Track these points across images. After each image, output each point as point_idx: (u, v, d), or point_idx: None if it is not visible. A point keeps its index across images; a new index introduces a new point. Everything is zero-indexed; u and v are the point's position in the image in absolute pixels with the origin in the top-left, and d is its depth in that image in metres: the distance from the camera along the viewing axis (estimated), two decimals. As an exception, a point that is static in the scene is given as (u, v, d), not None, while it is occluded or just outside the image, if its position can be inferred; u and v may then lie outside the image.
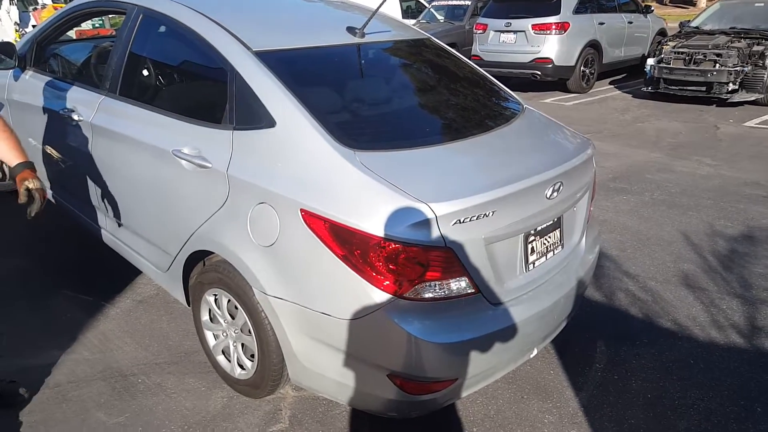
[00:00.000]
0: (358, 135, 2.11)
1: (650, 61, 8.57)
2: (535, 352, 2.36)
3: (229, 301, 2.37)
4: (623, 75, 10.94)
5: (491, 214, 1.93)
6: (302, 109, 2.08)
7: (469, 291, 1.97)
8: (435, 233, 1.83)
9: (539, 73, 9.16)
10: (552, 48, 8.99)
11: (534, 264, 2.21)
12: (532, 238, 2.17)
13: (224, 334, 2.49)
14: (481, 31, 9.84)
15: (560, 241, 2.36)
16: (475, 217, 1.89)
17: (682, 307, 3.18)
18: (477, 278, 1.97)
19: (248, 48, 2.27)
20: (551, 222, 2.25)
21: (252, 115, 2.17)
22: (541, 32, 9.04)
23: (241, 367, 2.45)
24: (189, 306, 2.66)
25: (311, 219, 1.93)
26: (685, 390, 2.54)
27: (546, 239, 2.26)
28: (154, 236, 2.65)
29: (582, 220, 2.50)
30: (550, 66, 9.06)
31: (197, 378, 2.63)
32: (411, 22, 12.21)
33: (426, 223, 1.81)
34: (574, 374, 2.65)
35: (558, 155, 2.32)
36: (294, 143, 2.06)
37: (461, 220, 1.86)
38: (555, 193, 2.18)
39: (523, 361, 2.37)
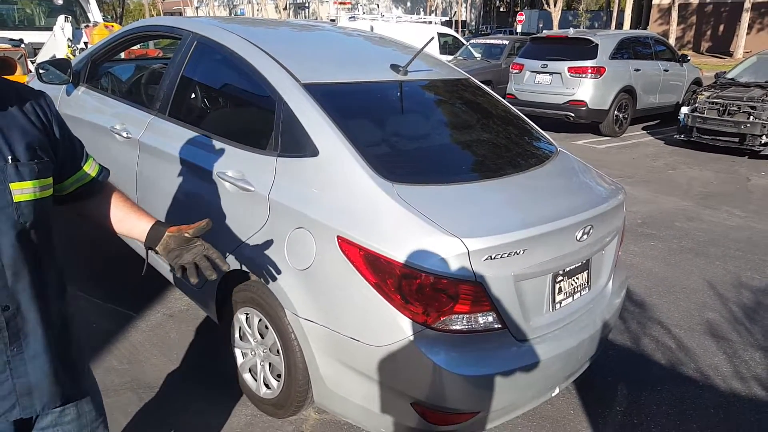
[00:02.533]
0: (396, 168, 2.20)
1: (684, 110, 8.59)
2: (557, 390, 2.38)
3: (260, 320, 2.44)
4: (656, 121, 10.94)
5: (522, 252, 1.99)
6: (345, 140, 2.18)
7: (496, 326, 2.01)
8: (466, 267, 1.89)
9: (573, 115, 9.23)
10: (587, 91, 9.07)
11: (561, 304, 2.25)
12: (560, 278, 2.21)
13: (252, 352, 2.56)
14: (517, 71, 9.99)
15: (588, 282, 2.39)
16: (506, 254, 1.95)
17: (704, 356, 3.15)
18: (504, 314, 2.01)
19: (297, 80, 2.40)
20: (580, 264, 2.29)
21: (296, 144, 2.27)
22: (577, 75, 9.14)
23: (267, 386, 2.51)
24: (219, 323, 2.74)
25: (347, 246, 2.00)
26: (705, 440, 2.53)
27: (574, 280, 2.30)
28: (192, 252, 2.74)
29: (610, 263, 2.53)
30: (584, 109, 9.12)
31: (223, 394, 2.69)
32: (448, 57, 12.48)
33: (458, 258, 1.87)
34: (594, 415, 2.65)
35: (590, 199, 2.37)
36: (335, 173, 2.15)
37: (492, 257, 1.92)
38: (585, 236, 2.22)
39: (545, 399, 2.38)
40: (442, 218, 1.95)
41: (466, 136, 2.71)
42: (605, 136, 9.55)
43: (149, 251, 1.52)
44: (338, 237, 2.02)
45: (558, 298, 2.23)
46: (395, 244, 1.92)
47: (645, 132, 10.18)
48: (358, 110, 2.50)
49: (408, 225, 1.94)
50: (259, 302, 2.36)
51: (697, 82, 11.08)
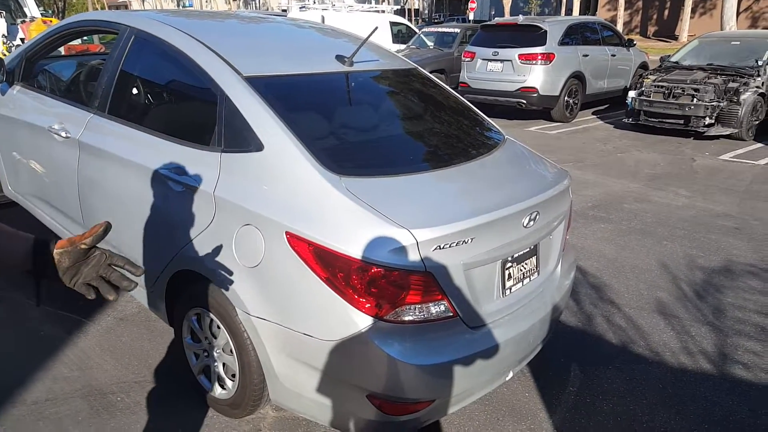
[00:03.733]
0: (343, 161, 2.18)
1: (631, 94, 8.84)
2: (511, 374, 2.42)
3: (211, 321, 2.39)
4: (606, 106, 11.22)
5: (470, 240, 2.00)
6: (290, 134, 2.14)
7: (448, 314, 2.03)
8: (415, 258, 1.89)
9: (524, 101, 9.38)
10: (537, 78, 9.22)
11: (511, 289, 2.28)
12: (509, 264, 2.24)
13: (205, 353, 2.51)
14: (469, 59, 10.06)
15: (536, 267, 2.43)
16: (454, 243, 1.96)
17: (654, 333, 3.27)
18: (456, 302, 2.03)
19: (239, 73, 2.34)
20: (528, 249, 2.33)
21: (240, 139, 2.23)
22: (528, 62, 9.27)
23: (222, 386, 2.47)
24: (171, 325, 2.68)
25: (296, 242, 1.98)
26: (653, 413, 2.62)
27: (523, 266, 2.33)
28: (139, 255, 2.66)
29: (558, 247, 2.58)
30: (535, 95, 9.28)
31: (178, 397, 2.64)
32: (401, 47, 12.45)
33: (407, 248, 1.87)
34: (549, 397, 2.71)
35: (536, 185, 2.40)
36: (281, 167, 2.12)
37: (441, 246, 1.93)
38: (532, 222, 2.26)
39: (500, 383, 2.42)
40: (391, 210, 1.95)
41: (414, 126, 2.71)
42: (557, 122, 9.74)
43: (40, 278, 1.23)
44: (287, 232, 2.00)
45: (508, 284, 2.26)
46: (344, 237, 1.91)
47: (595, 117, 10.44)
48: (303, 103, 2.46)
49: (356, 218, 1.93)
50: (210, 302, 2.31)
51: (644, 66, 11.40)
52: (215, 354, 2.45)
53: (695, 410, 2.64)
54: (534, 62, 9.26)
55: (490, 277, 2.17)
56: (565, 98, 9.61)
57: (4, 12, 5.25)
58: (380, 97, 2.83)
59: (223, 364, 2.44)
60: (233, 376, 2.38)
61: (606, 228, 4.92)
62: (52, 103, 3.19)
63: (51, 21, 5.77)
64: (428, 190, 2.17)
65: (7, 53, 4.97)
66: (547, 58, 9.23)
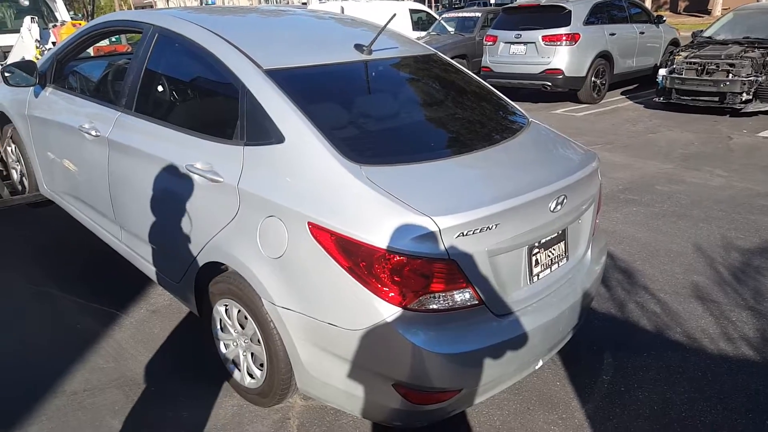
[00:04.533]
0: (364, 150, 2.17)
1: (662, 72, 8.57)
2: (541, 363, 2.38)
3: (239, 311, 2.42)
4: (635, 85, 10.92)
5: (494, 227, 1.97)
6: (310, 125, 2.14)
7: (473, 302, 2.00)
8: (439, 246, 1.87)
9: (550, 84, 9.19)
10: (562, 59, 9.02)
11: (538, 276, 2.24)
12: (536, 250, 2.20)
13: (234, 343, 2.55)
14: (491, 43, 9.90)
15: (565, 253, 2.39)
16: (478, 230, 1.93)
17: (691, 319, 3.17)
18: (481, 290, 2.00)
19: (259, 66, 2.35)
20: (555, 234, 2.29)
21: (262, 132, 2.23)
22: (552, 43, 9.08)
23: (251, 376, 2.50)
24: (200, 316, 2.72)
25: (318, 232, 1.98)
26: (692, 402, 2.54)
27: (550, 251, 2.29)
28: (167, 248, 2.72)
29: (587, 232, 2.53)
30: (561, 77, 9.08)
31: (209, 386, 2.68)
32: (422, 34, 12.34)
33: (429, 236, 1.86)
34: (581, 385, 2.66)
35: (562, 168, 2.35)
36: (302, 158, 2.12)
37: (464, 233, 1.90)
38: (559, 206, 2.21)
39: (529, 372, 2.39)
40: (412, 197, 1.93)
41: (435, 112, 2.68)
42: (584, 104, 9.53)
43: None
44: (309, 223, 2.00)
45: (535, 270, 2.22)
46: (366, 226, 1.90)
47: (624, 97, 10.17)
48: (323, 93, 2.45)
49: (377, 206, 1.92)
50: (237, 293, 2.34)
51: (675, 42, 11.04)
52: (244, 344, 2.48)
53: (738, 399, 2.56)
54: (558, 43, 9.05)
55: (516, 263, 2.14)
56: (592, 79, 9.37)
57: (36, 17, 5.37)
58: (400, 84, 2.81)
59: (252, 354, 2.47)
60: (261, 365, 2.41)
61: (638, 211, 4.80)
62: (82, 103, 3.26)
63: (81, 24, 5.88)
64: (450, 177, 2.14)
65: (39, 57, 5.09)
66: (572, 38, 9.02)
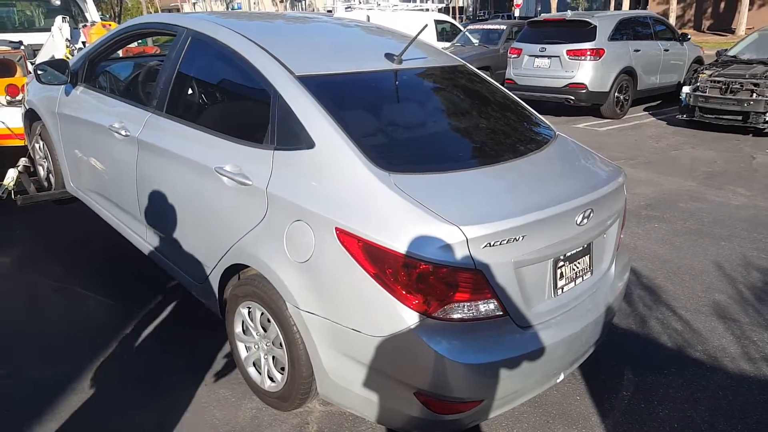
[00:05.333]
0: (393, 158, 2.19)
1: (686, 89, 8.51)
2: (562, 377, 2.37)
3: (262, 314, 2.44)
4: (658, 102, 10.86)
5: (521, 238, 1.98)
6: (340, 131, 2.17)
7: (498, 313, 2.00)
8: (465, 255, 1.88)
9: (573, 98, 9.17)
10: (586, 74, 9.01)
11: (563, 289, 2.23)
12: (561, 263, 2.20)
13: (256, 346, 2.56)
14: (515, 56, 9.92)
15: (590, 267, 2.38)
16: (505, 241, 1.94)
17: (712, 338, 3.14)
18: (506, 301, 2.00)
19: (291, 72, 2.38)
20: (581, 248, 2.28)
21: (292, 137, 2.26)
22: (576, 58, 9.07)
23: (271, 379, 2.51)
24: (222, 317, 2.75)
25: (345, 237, 2.00)
26: (712, 421, 2.52)
27: (575, 265, 2.28)
28: (193, 249, 2.75)
29: (612, 247, 2.52)
30: (584, 91, 9.06)
31: (228, 388, 2.70)
32: (446, 44, 12.38)
33: (456, 246, 1.86)
34: (601, 401, 2.64)
35: (589, 182, 2.35)
36: (332, 164, 2.14)
37: (491, 244, 1.91)
38: (585, 220, 2.21)
39: (550, 385, 2.37)
40: (440, 206, 1.94)
41: (463, 123, 2.69)
42: (606, 119, 9.49)
43: None
44: (336, 228, 2.02)
45: (560, 283, 2.22)
46: (393, 233, 1.91)
47: (647, 113, 10.11)
48: (353, 101, 2.48)
49: (405, 214, 1.93)
50: (261, 296, 2.36)
51: (699, 60, 10.97)
52: (265, 347, 2.50)
53: (758, 419, 2.52)
54: (583, 58, 9.05)
55: (541, 275, 2.13)
56: (616, 94, 9.34)
57: (67, 17, 5.47)
58: (429, 94, 2.82)
59: (273, 358, 2.49)
60: (282, 369, 2.42)
61: (660, 228, 4.76)
62: (113, 103, 3.32)
63: (110, 25, 5.99)
64: (478, 187, 2.15)
65: (70, 56, 5.19)
66: (597, 53, 9.00)
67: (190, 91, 2.96)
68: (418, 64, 2.80)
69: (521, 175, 2.31)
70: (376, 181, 2.03)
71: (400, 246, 1.88)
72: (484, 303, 1.97)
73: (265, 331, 2.48)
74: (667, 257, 4.18)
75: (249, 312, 2.53)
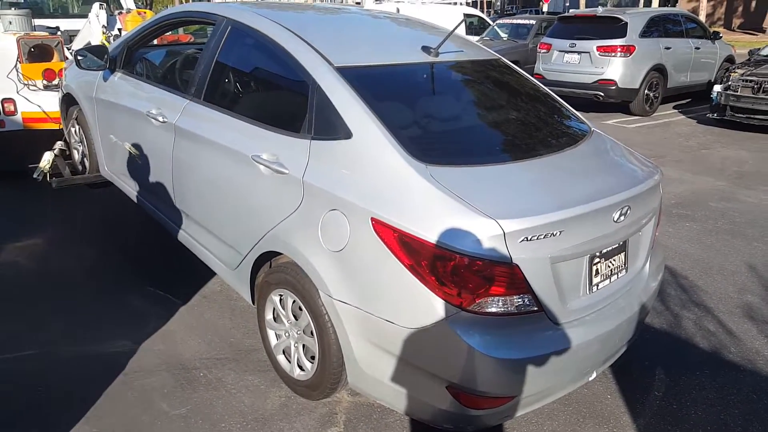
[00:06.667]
0: (430, 150, 2.18)
1: (717, 88, 8.35)
2: (594, 375, 2.35)
3: (294, 302, 2.46)
4: (688, 100, 10.65)
5: (558, 233, 1.96)
6: (378, 123, 2.16)
7: (533, 309, 1.99)
8: (502, 249, 1.87)
9: (602, 94, 9.05)
10: (616, 70, 8.88)
11: (598, 286, 2.21)
12: (597, 260, 2.18)
13: (286, 334, 2.59)
14: (545, 51, 9.82)
15: (625, 264, 2.35)
16: (542, 236, 1.92)
17: (745, 340, 3.09)
18: (541, 296, 1.99)
19: (330, 63, 2.38)
20: (617, 245, 2.25)
21: (330, 127, 2.27)
22: (606, 54, 8.94)
23: (301, 368, 2.53)
24: (254, 304, 2.77)
25: (381, 228, 2.00)
26: (747, 424, 2.48)
27: (611, 262, 2.26)
28: (227, 235, 2.78)
29: (647, 245, 2.49)
30: (614, 88, 8.93)
31: (257, 376, 2.73)
32: (474, 38, 12.28)
33: (493, 239, 1.85)
34: (632, 400, 2.61)
35: (626, 179, 2.32)
36: (369, 155, 2.14)
37: (528, 238, 1.89)
38: (622, 217, 2.18)
39: (582, 383, 2.36)
40: (477, 199, 1.93)
41: (499, 116, 2.67)
42: (635, 116, 9.35)
43: None
44: (372, 219, 2.02)
45: (595, 280, 2.19)
46: (429, 225, 1.91)
47: (676, 111, 9.93)
48: (391, 92, 2.47)
49: (442, 206, 1.93)
50: (294, 284, 2.37)
51: (730, 59, 10.73)
52: (296, 335, 2.52)
53: (793, 423, 2.49)
54: (613, 54, 8.91)
55: (577, 272, 2.11)
56: (645, 91, 9.18)
57: (104, 4, 5.55)
58: (466, 87, 2.80)
59: (303, 346, 2.50)
60: (312, 358, 2.43)
61: (691, 227, 4.68)
62: (150, 90, 3.36)
63: (145, 12, 6.05)
64: (515, 181, 2.13)
65: (106, 43, 5.27)
66: (627, 50, 8.86)
67: (228, 80, 2.98)
68: (454, 58, 2.79)
69: (558, 170, 2.29)
70: (413, 172, 2.02)
71: (437, 238, 1.88)
72: (519, 298, 1.96)
73: (296, 319, 2.50)
74: (698, 256, 4.11)
75: (281, 300, 2.55)
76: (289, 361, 2.60)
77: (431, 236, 1.89)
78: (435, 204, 1.94)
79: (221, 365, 2.81)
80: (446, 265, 1.88)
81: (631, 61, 8.89)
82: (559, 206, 1.98)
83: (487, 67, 2.93)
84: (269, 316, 2.65)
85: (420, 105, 2.54)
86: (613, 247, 2.23)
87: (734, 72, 8.33)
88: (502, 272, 1.89)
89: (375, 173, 2.11)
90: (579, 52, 9.27)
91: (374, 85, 2.39)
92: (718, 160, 6.76)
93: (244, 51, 2.89)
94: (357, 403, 2.56)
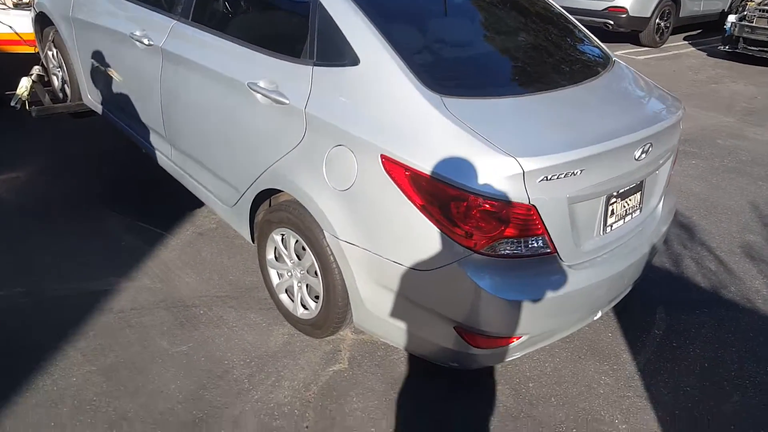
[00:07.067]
0: (444, 79, 2.01)
1: (731, 18, 8.02)
2: (599, 314, 2.31)
3: (296, 241, 2.37)
4: (698, 31, 10.28)
5: (579, 172, 1.85)
6: (389, 48, 1.99)
7: (546, 251, 1.91)
8: (520, 189, 1.76)
9: (612, 22, 8.67)
10: (628, -3, 8.47)
11: (612, 227, 2.13)
12: (613, 199, 2.08)
13: (289, 273, 2.51)
14: (549, -25, 9.31)
15: (639, 204, 2.26)
16: (562, 175, 1.81)
17: (745, 279, 3.07)
18: (555, 238, 1.90)
19: (332, -21, 2.17)
20: (634, 185, 2.15)
21: (334, 51, 2.09)
22: (617, -21, 8.51)
23: (305, 307, 2.47)
24: (253, 243, 2.68)
25: (391, 165, 1.88)
26: (742, 362, 2.50)
27: (626, 202, 2.17)
28: (222, 170, 2.64)
29: (662, 184, 2.39)
30: (624, 16, 8.55)
31: (258, 314, 2.68)
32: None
33: (512, 179, 1.74)
34: (632, 338, 2.61)
35: (650, 114, 2.19)
36: (378, 84, 1.98)
37: (548, 177, 1.79)
38: (644, 155, 2.07)
39: (587, 323, 2.33)
40: (495, 135, 1.80)
41: (517, 43, 2.47)
42: (645, 47, 9.02)
43: None
44: (382, 155, 1.89)
45: (609, 220, 2.11)
46: (444, 163, 1.79)
47: (686, 42, 9.60)
48: (401, 13, 2.27)
49: (459, 142, 1.80)
50: (296, 223, 2.27)
51: (746, -13, 10.28)
52: (299, 274, 2.44)
53: (791, 363, 2.50)
54: (625, -21, 8.48)
55: (592, 212, 2.02)
56: (656, 21, 8.81)
57: None
58: (481, 11, 2.58)
59: (307, 285, 2.44)
60: (316, 297, 2.37)
61: (697, 164, 4.58)
62: (133, 8, 3.09)
63: None
64: (534, 115, 2.00)
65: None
66: (639, -25, 8.43)
67: (218, -2, 2.75)
68: (468, -23, 2.56)
69: (579, 103, 2.15)
70: (427, 105, 1.88)
71: (452, 177, 1.77)
72: (534, 239, 1.87)
73: (299, 258, 2.41)
74: (703, 195, 4.04)
75: (282, 239, 2.46)
76: (292, 300, 2.54)
77: (446, 175, 1.78)
78: (450, 140, 1.81)
79: (221, 303, 2.75)
80: (460, 206, 1.78)
81: (642, -13, 8.48)
82: (581, 143, 1.86)
83: (504, -11, 2.71)
84: (270, 255, 2.57)
85: (432, 28, 2.35)
86: (631, 186, 2.13)
87: (751, 1, 7.98)
88: (518, 214, 1.79)
89: (385, 105, 1.96)
90: (587, -23, 8.81)
91: (383, 5, 2.19)
92: (727, 96, 6.58)
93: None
94: (360, 341, 2.53)
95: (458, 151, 1.78)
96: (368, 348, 2.50)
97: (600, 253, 2.11)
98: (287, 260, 2.48)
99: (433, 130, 1.84)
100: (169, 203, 3.60)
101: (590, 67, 2.43)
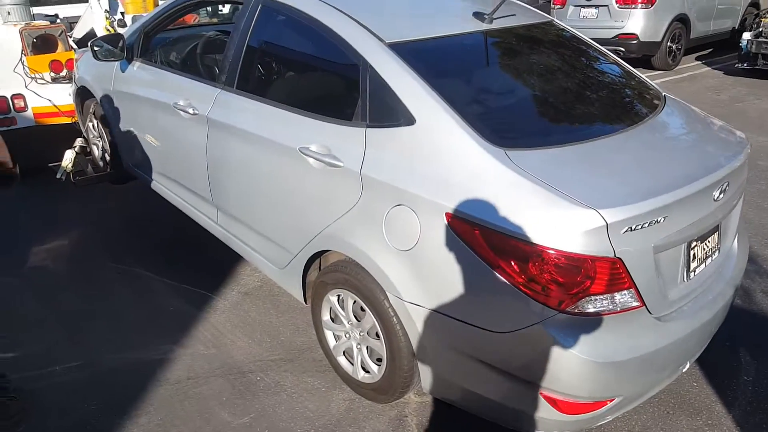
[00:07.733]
0: (505, 131, 1.95)
1: (747, 36, 7.96)
2: (688, 365, 2.17)
3: (354, 302, 2.28)
4: (709, 50, 10.23)
5: (663, 220, 1.75)
6: (444, 104, 1.93)
7: (634, 304, 1.79)
8: (604, 242, 1.66)
9: (623, 49, 8.65)
10: (637, 23, 8.47)
11: (695, 272, 2.01)
12: (694, 243, 1.97)
13: (347, 335, 2.41)
14: (559, 6, 9.39)
15: (718, 245, 2.14)
16: (647, 224, 1.71)
17: (828, 313, 2.90)
18: (643, 290, 1.79)
19: (380, 39, 2.13)
20: (713, 226, 2.05)
21: (388, 112, 2.04)
22: (626, 6, 8.53)
23: (366, 370, 2.37)
24: (306, 303, 2.59)
25: (459, 224, 1.80)
26: None
27: (706, 244, 2.05)
28: (273, 233, 2.58)
29: (736, 221, 2.28)
30: (635, 42, 8.54)
31: (315, 377, 2.57)
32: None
33: (595, 232, 1.65)
34: (721, 387, 2.44)
35: (720, 152, 2.10)
36: (437, 142, 1.92)
37: (633, 228, 1.69)
38: (722, 195, 1.97)
39: (677, 376, 2.18)
40: (570, 186, 1.72)
41: (569, 88, 2.40)
42: (658, 70, 8.97)
43: None
44: (447, 214, 1.82)
45: (692, 265, 1.99)
46: (518, 219, 1.70)
47: (700, 62, 9.53)
48: (451, 68, 2.23)
49: (530, 196, 1.72)
50: (354, 284, 2.19)
51: (755, 4, 10.25)
52: (358, 336, 2.34)
53: None
54: (633, 6, 8.49)
55: (676, 259, 1.91)
56: (668, 44, 8.80)
57: None
58: (526, 56, 2.53)
59: (368, 348, 2.33)
60: (378, 360, 2.27)
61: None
62: (174, 79, 3.11)
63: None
64: (603, 161, 1.91)
65: (111, 29, 4.99)
66: (648, 1, 8.45)
67: (263, 65, 2.74)
68: (509, 23, 2.52)
69: (645, 145, 2.06)
70: (491, 159, 1.80)
71: (530, 234, 1.68)
72: (621, 294, 1.76)
73: (357, 320, 2.32)
74: (758, 221, 3.88)
75: (339, 299, 2.37)
76: (352, 363, 2.43)
77: (521, 232, 1.69)
78: (522, 194, 1.73)
79: (277, 367, 2.65)
80: (541, 264, 1.68)
81: (652, 13, 8.48)
82: (661, 189, 1.76)
83: (543, 31, 2.67)
84: (326, 316, 2.47)
85: (483, 80, 2.30)
86: (710, 228, 2.03)
87: (765, 17, 7.95)
88: (604, 268, 1.69)
89: (446, 162, 1.89)
90: (596, 6, 8.85)
91: (431, 61, 2.15)
92: (755, 114, 6.46)
93: (278, 31, 2.64)
94: (425, 404, 2.41)
95: (532, 205, 1.70)
96: (435, 412, 2.36)
97: (685, 301, 1.99)
98: (345, 321, 2.38)
99: (501, 185, 1.76)
100: (212, 264, 3.54)
101: (645, 105, 2.35)
